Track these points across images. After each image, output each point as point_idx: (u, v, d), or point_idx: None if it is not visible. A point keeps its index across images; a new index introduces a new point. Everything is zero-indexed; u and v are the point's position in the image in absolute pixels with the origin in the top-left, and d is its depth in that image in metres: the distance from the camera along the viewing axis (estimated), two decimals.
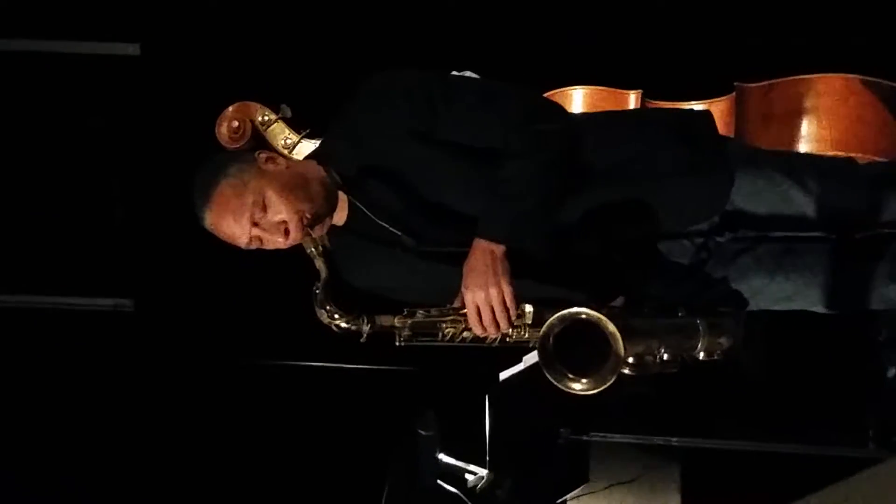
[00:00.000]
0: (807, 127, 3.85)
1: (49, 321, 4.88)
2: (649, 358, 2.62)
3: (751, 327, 2.97)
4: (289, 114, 2.94)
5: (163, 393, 4.71)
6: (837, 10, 4.32)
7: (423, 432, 4.01)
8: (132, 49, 4.91)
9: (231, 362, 4.65)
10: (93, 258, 4.80)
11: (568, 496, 4.17)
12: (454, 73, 3.71)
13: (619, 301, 2.65)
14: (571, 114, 3.02)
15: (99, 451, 4.67)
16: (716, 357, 2.72)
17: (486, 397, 3.84)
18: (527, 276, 2.66)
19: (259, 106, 2.94)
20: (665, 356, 2.65)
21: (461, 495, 3.94)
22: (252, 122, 2.93)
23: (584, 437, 4.07)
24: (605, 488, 4.26)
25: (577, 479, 4.19)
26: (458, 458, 3.96)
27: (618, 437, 4.13)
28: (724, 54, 4.37)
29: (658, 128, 2.92)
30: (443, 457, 3.98)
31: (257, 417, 4.65)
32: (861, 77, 3.82)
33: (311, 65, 4.64)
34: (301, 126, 2.92)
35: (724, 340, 2.72)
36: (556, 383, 2.56)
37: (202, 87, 4.66)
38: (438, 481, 3.98)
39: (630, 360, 2.58)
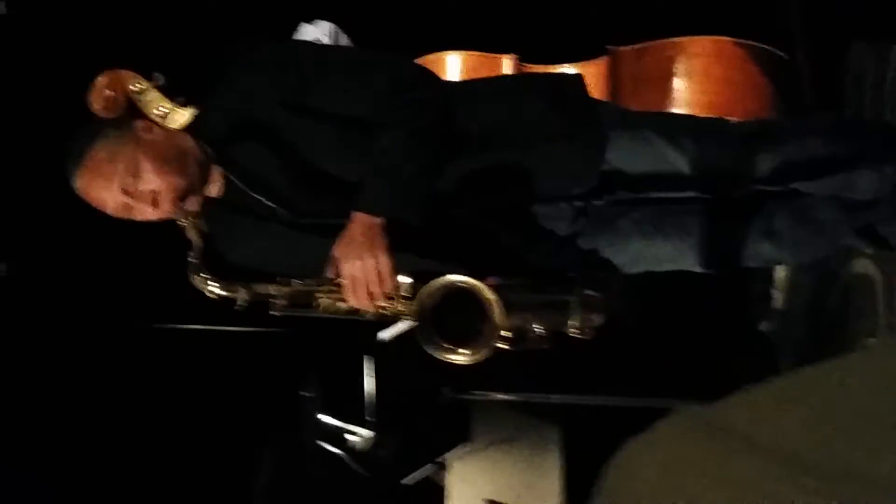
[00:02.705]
0: (679, 89, 3.92)
1: None
2: (524, 332, 2.68)
3: (629, 283, 3.03)
4: (162, 81, 2.88)
5: (38, 358, 4.63)
6: None
7: (304, 394, 4.02)
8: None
9: (109, 327, 4.58)
10: None
11: (448, 455, 4.22)
12: (306, 23, 3.71)
13: (492, 279, 2.67)
14: (444, 81, 3.02)
15: None
16: (586, 334, 2.73)
17: (366, 357, 3.87)
18: (405, 248, 2.67)
19: (132, 74, 2.87)
20: (539, 331, 2.69)
21: (343, 456, 3.96)
22: (125, 90, 2.88)
23: (465, 396, 4.12)
24: (487, 447, 4.31)
25: (458, 437, 4.24)
26: (339, 419, 3.98)
27: (498, 396, 4.18)
28: (597, 17, 4.40)
29: (530, 94, 2.93)
30: (324, 418, 4.00)
31: (134, 383, 4.60)
32: (732, 39, 3.90)
33: (185, 27, 4.57)
34: (175, 94, 2.88)
35: (595, 317, 2.73)
36: (433, 353, 2.60)
37: (73, 47, 4.57)
38: (320, 442, 4.00)
39: (505, 333, 2.62)
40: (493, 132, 2.82)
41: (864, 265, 3.64)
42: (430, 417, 4.12)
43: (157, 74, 2.89)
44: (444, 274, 2.63)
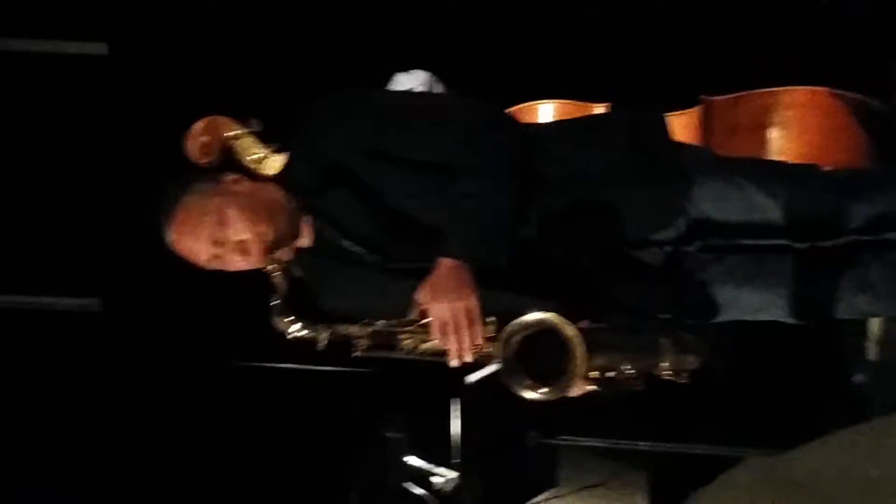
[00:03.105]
0: (773, 140, 3.89)
1: (16, 321, 4.85)
2: (613, 372, 2.63)
3: (720, 332, 2.99)
4: (259, 128, 2.93)
5: (130, 394, 4.69)
6: (803, 22, 4.36)
7: (390, 435, 4.03)
8: (100, 48, 4.89)
9: (196, 364, 4.63)
10: (61, 258, 4.78)
11: (536, 499, 4.20)
12: (402, 73, 3.74)
13: (583, 323, 2.65)
14: (524, 124, 3.03)
15: (68, 454, 4.65)
16: (682, 379, 2.66)
17: (454, 400, 3.87)
18: (493, 289, 2.68)
19: (228, 120, 2.91)
20: (629, 372, 2.64)
21: (428, 497, 3.96)
22: (221, 137, 2.91)
23: (553, 441, 4.09)
24: (573, 492, 4.28)
25: (545, 482, 4.22)
26: (425, 461, 3.98)
27: (586, 441, 4.14)
28: (691, 67, 4.41)
29: (609, 135, 2.92)
30: (410, 459, 4.00)
31: (222, 420, 4.64)
32: (828, 89, 3.86)
33: (283, 72, 4.64)
34: (270, 140, 2.92)
35: (690, 359, 2.66)
36: (514, 390, 2.58)
37: (172, 88, 4.65)
38: (406, 483, 4.00)
39: (593, 373, 2.60)
40: (574, 175, 2.80)
41: None
42: (517, 461, 4.10)
43: (254, 120, 2.93)
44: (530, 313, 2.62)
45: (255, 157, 2.87)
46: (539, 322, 2.58)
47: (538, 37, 4.65)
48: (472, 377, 3.85)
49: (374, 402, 4.28)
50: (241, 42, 4.78)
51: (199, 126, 2.91)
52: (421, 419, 4.06)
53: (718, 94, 4.07)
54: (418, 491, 3.97)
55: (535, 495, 4.21)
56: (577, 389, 2.62)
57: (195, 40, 4.81)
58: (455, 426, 3.90)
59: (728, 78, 4.12)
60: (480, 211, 2.65)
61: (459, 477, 3.91)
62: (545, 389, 2.58)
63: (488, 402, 3.83)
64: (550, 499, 4.25)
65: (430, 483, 3.98)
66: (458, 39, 4.61)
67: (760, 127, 3.92)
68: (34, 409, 4.71)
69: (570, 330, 2.55)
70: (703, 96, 4.07)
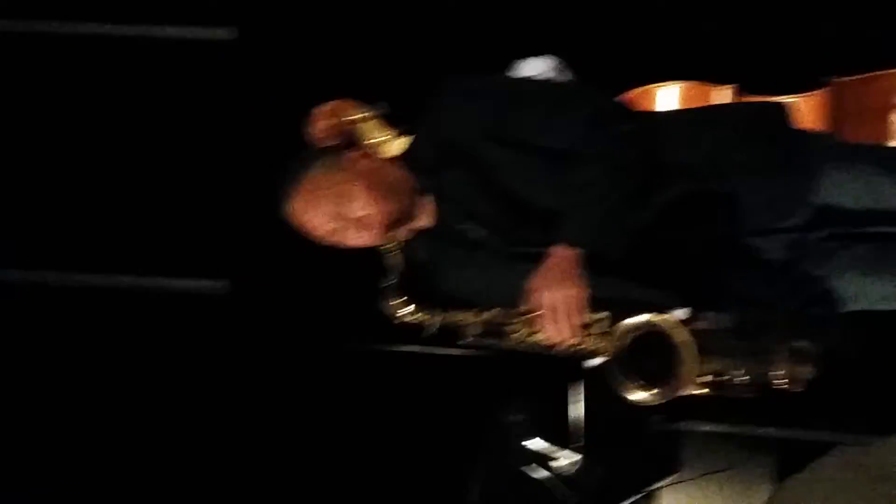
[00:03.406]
0: None
1: (143, 303, 4.93)
2: (726, 378, 2.62)
3: (848, 320, 2.94)
4: (386, 109, 2.96)
5: (254, 376, 4.75)
6: None
7: (511, 418, 4.03)
8: (230, 33, 4.95)
9: (312, 347, 4.67)
10: (189, 240, 4.85)
11: (659, 484, 4.18)
12: (523, 60, 3.74)
13: (701, 324, 2.63)
14: (646, 112, 3.02)
15: (195, 435, 4.73)
16: (795, 387, 2.63)
17: (572, 384, 3.86)
18: (606, 277, 2.67)
19: (352, 103, 2.96)
20: (742, 379, 2.62)
21: (551, 481, 3.95)
22: (345, 119, 2.95)
23: (677, 426, 4.06)
24: (697, 478, 4.25)
25: (669, 467, 4.19)
26: (548, 444, 3.97)
27: (711, 427, 4.11)
28: (821, 48, 4.33)
29: (733, 123, 2.91)
30: (532, 442, 4.00)
31: (339, 403, 4.67)
32: None
33: (411, 54, 4.64)
34: (395, 124, 2.94)
35: (807, 368, 2.63)
36: (622, 392, 2.57)
37: (300, 72, 4.69)
38: (528, 467, 4.00)
39: (705, 378, 2.57)
40: (696, 164, 2.81)
41: None
42: (640, 446, 4.07)
43: (381, 103, 2.96)
44: (646, 310, 2.61)
45: (377, 140, 2.91)
46: (652, 324, 2.56)
47: (658, 17, 4.59)
48: (594, 361, 3.84)
49: (494, 386, 4.27)
50: (368, 26, 4.80)
51: (322, 109, 2.95)
52: (542, 402, 4.04)
53: (847, 76, 4.01)
54: (540, 474, 3.97)
55: (658, 480, 4.18)
56: (687, 393, 2.61)
57: (323, 24, 4.84)
58: (578, 409, 3.89)
59: (855, 59, 4.05)
60: (599, 200, 2.67)
61: (582, 460, 3.90)
62: (653, 392, 2.57)
63: (612, 386, 3.81)
64: (673, 484, 4.22)
65: (552, 466, 3.96)
66: (577, 22, 4.58)
67: (890, 109, 3.85)
68: (161, 392, 4.79)
69: (682, 334, 2.53)
70: (832, 77, 4.01)
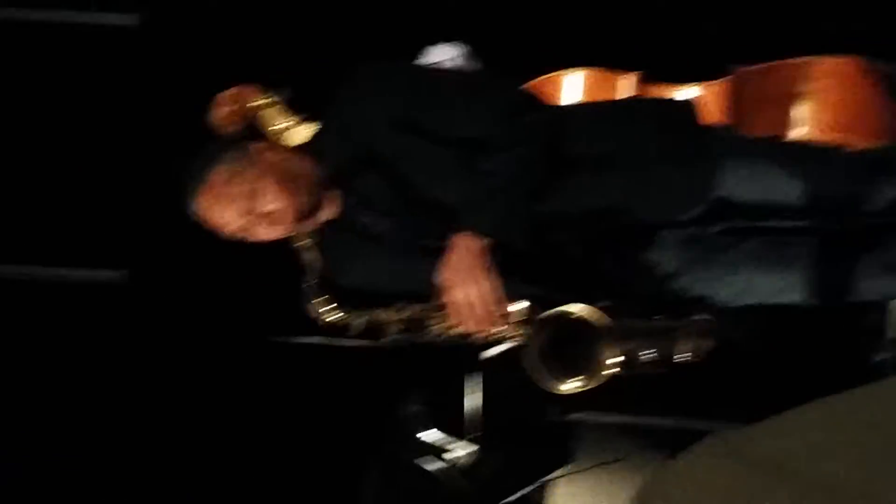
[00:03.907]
0: (802, 110, 3.81)
1: (43, 292, 4.87)
2: (635, 359, 2.68)
3: (741, 312, 2.96)
4: (289, 95, 2.92)
5: (155, 367, 4.71)
6: None
7: (407, 409, 4.02)
8: (131, 20, 4.89)
9: (210, 337, 4.63)
10: (88, 230, 4.79)
11: (553, 475, 4.17)
12: (434, 46, 3.72)
13: (605, 304, 2.64)
14: (553, 106, 3.02)
15: (94, 426, 4.68)
16: (698, 358, 2.73)
17: (471, 375, 3.84)
18: (512, 272, 2.65)
19: (255, 89, 2.93)
20: (651, 357, 2.68)
21: (445, 473, 3.94)
22: (248, 104, 2.92)
23: (571, 417, 4.07)
24: (591, 468, 4.25)
25: (564, 457, 4.19)
26: (442, 436, 3.96)
27: (606, 417, 4.12)
28: (721, 37, 4.34)
29: (640, 117, 2.92)
30: (427, 434, 3.98)
31: (237, 394, 4.64)
32: (857, 59, 3.78)
33: (314, 40, 4.61)
34: (299, 110, 2.91)
35: (707, 342, 2.73)
36: (544, 386, 2.57)
37: (203, 62, 4.64)
38: (422, 458, 3.98)
39: (616, 360, 2.58)
40: (602, 156, 2.82)
41: None
42: (535, 437, 4.08)
43: (284, 88, 2.92)
44: (555, 302, 2.60)
45: (279, 127, 2.88)
46: (570, 313, 2.57)
47: (564, 4, 4.59)
48: (491, 352, 3.83)
49: (391, 377, 4.25)
50: (272, 13, 4.76)
51: (225, 95, 2.92)
52: (439, 394, 4.03)
53: (749, 65, 4.01)
54: (435, 465, 3.95)
55: (554, 470, 4.18)
56: (601, 379, 2.61)
57: (226, 11, 4.79)
58: (474, 400, 3.88)
59: (758, 48, 4.05)
60: (505, 189, 2.67)
61: (476, 452, 3.88)
62: (576, 381, 2.58)
63: (507, 376, 3.80)
64: (569, 474, 4.22)
65: (448, 457, 3.95)
66: (483, 7, 4.56)
67: (789, 97, 3.84)
68: (60, 383, 4.74)
69: (602, 322, 2.54)
70: (734, 66, 4.01)
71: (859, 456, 1.20)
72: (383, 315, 2.76)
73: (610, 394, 3.30)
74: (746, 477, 1.22)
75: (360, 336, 2.79)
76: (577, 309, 2.58)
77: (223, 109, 2.94)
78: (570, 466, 4.21)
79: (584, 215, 2.76)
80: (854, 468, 1.19)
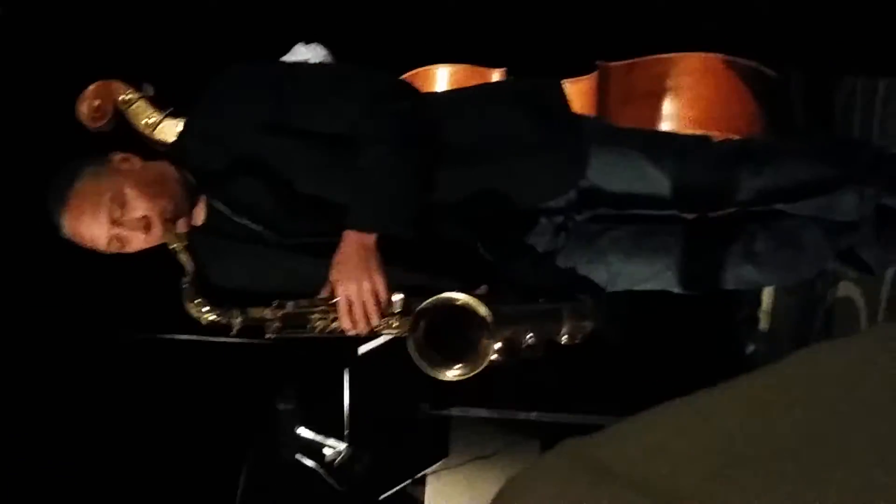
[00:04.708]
0: (667, 106, 3.88)
1: None
2: (516, 343, 2.64)
3: (613, 302, 3.00)
4: (151, 92, 2.88)
5: (22, 365, 4.61)
6: None
7: (282, 406, 4.00)
8: None
9: (89, 335, 4.56)
10: None
11: (427, 470, 4.20)
12: (301, 44, 3.70)
13: (482, 289, 2.64)
14: (423, 93, 3.01)
15: None
16: (578, 340, 2.73)
17: (345, 371, 3.84)
18: (394, 262, 2.65)
19: (121, 84, 2.87)
20: (532, 341, 2.66)
21: (319, 470, 3.93)
22: (114, 101, 2.87)
23: (444, 412, 4.09)
24: (465, 463, 4.28)
25: (437, 453, 4.22)
26: (317, 433, 3.95)
27: (477, 412, 4.14)
28: (587, 33, 4.37)
29: (509, 102, 2.91)
30: (302, 431, 3.97)
31: (114, 392, 4.56)
32: (720, 56, 3.86)
33: (179, 36, 4.54)
34: (164, 105, 2.87)
35: (586, 324, 2.74)
36: (428, 373, 2.56)
37: (64, 55, 4.55)
38: (298, 455, 3.97)
39: (498, 345, 2.59)
40: (475, 143, 2.80)
41: (847, 289, 3.63)
42: (409, 433, 4.09)
43: (146, 85, 2.88)
44: (435, 289, 2.60)
45: (149, 121, 2.84)
46: (451, 302, 2.56)
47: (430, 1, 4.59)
48: (365, 347, 3.83)
49: (267, 374, 4.23)
50: (135, 6, 4.68)
51: (90, 90, 2.87)
52: (313, 390, 4.02)
53: (614, 61, 4.05)
54: (309, 463, 3.94)
55: (427, 466, 4.21)
56: (485, 365, 2.61)
57: (88, 5, 4.71)
58: (347, 397, 3.87)
59: (624, 45, 4.10)
60: (384, 182, 2.63)
61: (350, 448, 3.88)
62: (458, 367, 2.57)
63: (380, 373, 3.81)
64: (442, 470, 4.25)
65: (323, 455, 3.94)
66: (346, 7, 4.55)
67: (655, 93, 3.91)
68: None
69: (482, 308, 2.53)
70: (598, 62, 4.05)
71: (694, 457, 1.22)
72: (259, 313, 2.73)
73: (479, 389, 3.34)
74: (594, 487, 1.23)
75: (243, 335, 2.75)
76: (457, 296, 2.58)
77: (90, 104, 2.89)
78: (442, 462, 4.24)
79: (457, 204, 2.75)
80: (685, 469, 1.21)
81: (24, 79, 4.56)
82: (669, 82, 3.89)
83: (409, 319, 2.58)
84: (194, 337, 4.18)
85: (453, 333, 2.55)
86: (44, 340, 4.52)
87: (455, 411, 4.12)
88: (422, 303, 2.56)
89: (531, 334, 2.66)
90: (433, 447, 4.24)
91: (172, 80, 2.90)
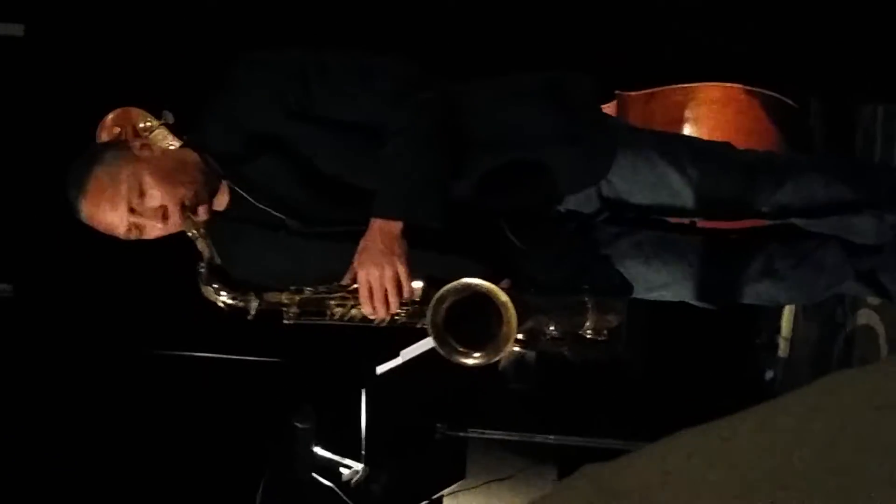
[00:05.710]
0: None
1: None
2: (539, 334, 2.66)
3: (632, 322, 3.00)
4: (171, 119, 2.90)
5: (43, 380, 4.64)
6: (717, 18, 4.35)
7: (299, 425, 4.00)
8: (16, 30, 4.82)
9: (106, 351, 4.58)
10: None
11: (444, 492, 4.19)
12: None
13: (505, 282, 2.64)
14: (447, 82, 3.00)
15: None
16: (602, 337, 2.72)
17: (363, 391, 3.85)
18: (419, 253, 2.66)
19: (141, 112, 2.90)
20: (555, 332, 2.68)
21: (336, 489, 3.93)
22: (133, 128, 2.89)
23: (461, 434, 4.08)
24: (482, 485, 4.28)
25: (454, 475, 4.21)
26: (333, 452, 3.96)
27: (495, 434, 4.14)
28: (607, 62, 4.39)
29: (538, 94, 2.91)
30: (319, 450, 3.97)
31: (132, 408, 4.59)
32: (742, 86, 3.87)
33: (199, 59, 4.57)
34: (183, 132, 2.89)
35: (611, 318, 2.73)
36: (447, 357, 2.56)
37: (88, 72, 4.59)
38: (314, 475, 3.98)
39: (520, 335, 2.59)
40: (500, 134, 2.81)
41: (867, 317, 3.63)
42: (426, 454, 4.08)
43: (166, 112, 2.90)
44: (457, 277, 2.60)
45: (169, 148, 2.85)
46: (470, 287, 2.56)
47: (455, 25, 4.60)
48: (383, 367, 3.84)
49: (285, 392, 4.24)
50: (159, 28, 4.72)
51: (110, 117, 2.90)
52: (331, 410, 4.03)
53: (634, 90, 4.06)
54: (326, 482, 3.94)
55: (444, 488, 4.20)
56: (504, 353, 2.61)
57: (113, 25, 4.74)
58: (364, 418, 3.88)
59: (644, 73, 4.11)
60: (410, 170, 2.64)
61: (367, 468, 3.89)
62: (478, 355, 2.57)
63: (398, 394, 3.82)
64: (458, 491, 4.25)
65: (339, 474, 3.95)
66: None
67: (674, 123, 3.91)
68: None
69: (502, 296, 2.53)
70: (617, 91, 4.06)
71: (712, 484, 1.24)
72: (276, 298, 2.73)
73: (497, 411, 3.34)
74: None
75: (260, 320, 2.75)
76: (478, 282, 2.57)
77: (110, 131, 2.92)
78: (459, 483, 4.24)
79: (483, 194, 2.74)
80: (703, 497, 1.23)
81: (45, 99, 4.61)
82: (689, 112, 3.90)
83: (431, 304, 2.58)
84: (214, 354, 4.23)
85: (474, 320, 2.55)
86: (65, 357, 4.56)
87: (472, 433, 4.11)
88: (444, 286, 2.56)
89: (553, 326, 2.67)
90: (450, 468, 4.23)
91: (191, 105, 2.91)
